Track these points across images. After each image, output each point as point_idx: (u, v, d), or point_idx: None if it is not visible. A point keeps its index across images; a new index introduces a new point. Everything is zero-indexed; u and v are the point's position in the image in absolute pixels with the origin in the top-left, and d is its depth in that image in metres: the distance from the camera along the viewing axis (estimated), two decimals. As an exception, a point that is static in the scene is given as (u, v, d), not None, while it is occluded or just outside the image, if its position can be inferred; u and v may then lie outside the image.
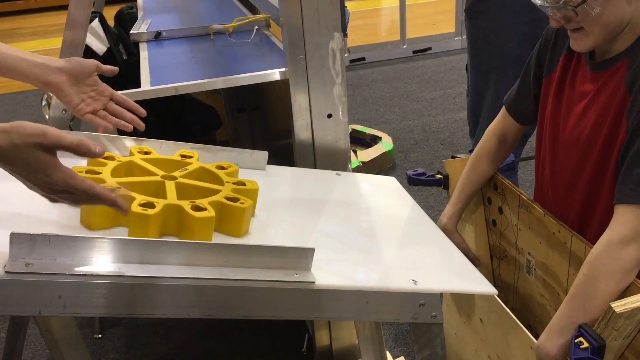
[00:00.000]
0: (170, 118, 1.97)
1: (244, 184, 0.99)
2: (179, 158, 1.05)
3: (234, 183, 0.98)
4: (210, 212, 0.87)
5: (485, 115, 1.96)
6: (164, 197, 0.90)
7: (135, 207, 0.84)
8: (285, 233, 0.99)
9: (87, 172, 0.90)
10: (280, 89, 1.35)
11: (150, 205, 0.85)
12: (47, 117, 1.46)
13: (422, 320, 0.87)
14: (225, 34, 1.73)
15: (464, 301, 1.36)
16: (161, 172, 0.97)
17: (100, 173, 0.91)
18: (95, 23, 1.99)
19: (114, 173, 0.93)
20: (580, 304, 0.94)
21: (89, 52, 1.93)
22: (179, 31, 1.80)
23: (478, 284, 0.95)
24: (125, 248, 0.75)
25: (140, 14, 2.10)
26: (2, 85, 4.55)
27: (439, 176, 1.47)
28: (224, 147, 1.14)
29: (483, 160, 1.35)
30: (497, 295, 1.12)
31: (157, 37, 1.77)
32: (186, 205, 0.87)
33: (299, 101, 1.25)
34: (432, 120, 3.43)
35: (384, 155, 2.89)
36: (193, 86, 1.36)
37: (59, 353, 1.23)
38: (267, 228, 0.98)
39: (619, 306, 0.89)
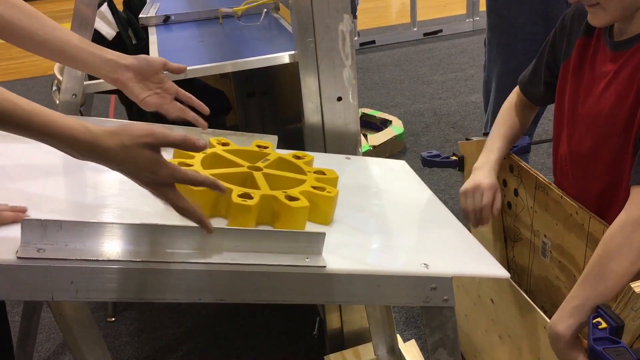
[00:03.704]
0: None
1: (324, 173, 1.02)
2: (256, 148, 1.08)
3: (314, 172, 1.01)
4: (304, 202, 0.90)
5: (495, 90, 1.96)
6: (252, 187, 0.93)
7: (235, 198, 0.87)
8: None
9: (180, 163, 0.94)
10: (290, 72, 1.34)
11: (248, 196, 0.88)
12: (57, 102, 1.46)
13: (433, 304, 0.86)
14: (234, 17, 1.72)
15: (475, 282, 1.36)
16: (245, 163, 1.01)
17: (191, 165, 0.95)
18: (104, 8, 1.99)
19: (203, 164, 0.97)
20: (594, 284, 0.93)
21: (98, 37, 1.93)
22: (188, 15, 1.80)
23: (490, 267, 0.94)
24: (137, 233, 0.75)
25: (149, -2, 2.09)
26: (13, 72, 4.57)
27: (454, 158, 1.46)
28: (233, 132, 1.14)
29: (511, 111, 1.34)
30: (511, 278, 1.12)
31: (166, 21, 1.77)
32: (280, 195, 0.90)
33: (308, 84, 1.24)
34: (443, 104, 3.41)
35: (394, 139, 2.87)
36: (202, 70, 1.36)
37: (72, 337, 1.24)
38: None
39: (639, 286, 0.88)
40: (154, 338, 1.86)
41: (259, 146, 1.09)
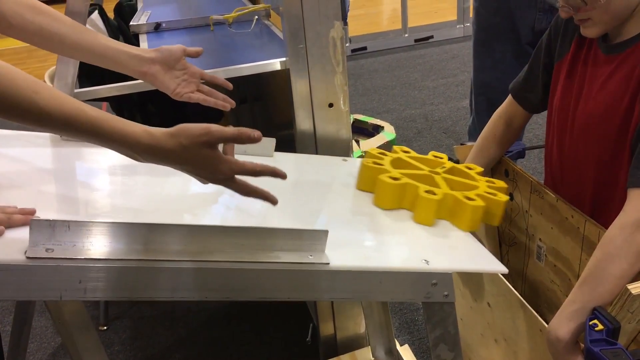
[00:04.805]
0: (171, 109, 1.97)
1: (494, 182, 1.13)
2: (432, 157, 1.20)
3: (485, 181, 1.12)
4: (480, 202, 1.01)
5: (473, 86, 1.98)
6: (433, 187, 1.04)
7: (422, 193, 1.00)
8: (298, 216, 1.00)
9: (374, 162, 1.10)
10: (282, 79, 1.34)
11: (432, 192, 1.01)
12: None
13: (434, 300, 0.88)
14: (225, 24, 1.72)
15: (472, 285, 1.36)
16: (425, 167, 1.13)
17: (382, 165, 1.09)
18: (95, 15, 1.98)
19: (392, 165, 1.10)
20: (592, 287, 0.93)
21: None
22: (179, 22, 1.80)
23: (488, 263, 0.96)
24: (144, 232, 0.75)
25: (139, 5, 2.09)
26: (3, 80, 4.54)
27: None
28: None
29: (490, 143, 1.34)
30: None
31: (157, 28, 1.77)
32: (460, 195, 1.02)
33: (299, 91, 1.25)
34: (435, 109, 3.42)
35: (386, 144, 2.88)
36: (193, 77, 1.35)
37: (71, 342, 1.24)
38: (287, 210, 1.00)
39: (636, 288, 0.88)
40: (146, 346, 1.85)
41: (434, 155, 1.21)
